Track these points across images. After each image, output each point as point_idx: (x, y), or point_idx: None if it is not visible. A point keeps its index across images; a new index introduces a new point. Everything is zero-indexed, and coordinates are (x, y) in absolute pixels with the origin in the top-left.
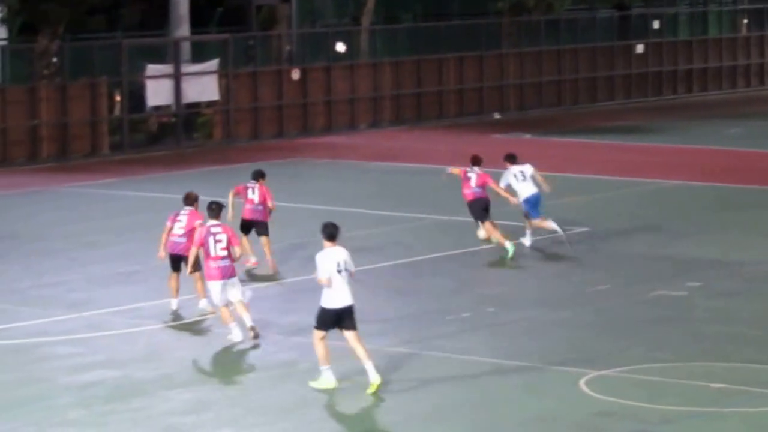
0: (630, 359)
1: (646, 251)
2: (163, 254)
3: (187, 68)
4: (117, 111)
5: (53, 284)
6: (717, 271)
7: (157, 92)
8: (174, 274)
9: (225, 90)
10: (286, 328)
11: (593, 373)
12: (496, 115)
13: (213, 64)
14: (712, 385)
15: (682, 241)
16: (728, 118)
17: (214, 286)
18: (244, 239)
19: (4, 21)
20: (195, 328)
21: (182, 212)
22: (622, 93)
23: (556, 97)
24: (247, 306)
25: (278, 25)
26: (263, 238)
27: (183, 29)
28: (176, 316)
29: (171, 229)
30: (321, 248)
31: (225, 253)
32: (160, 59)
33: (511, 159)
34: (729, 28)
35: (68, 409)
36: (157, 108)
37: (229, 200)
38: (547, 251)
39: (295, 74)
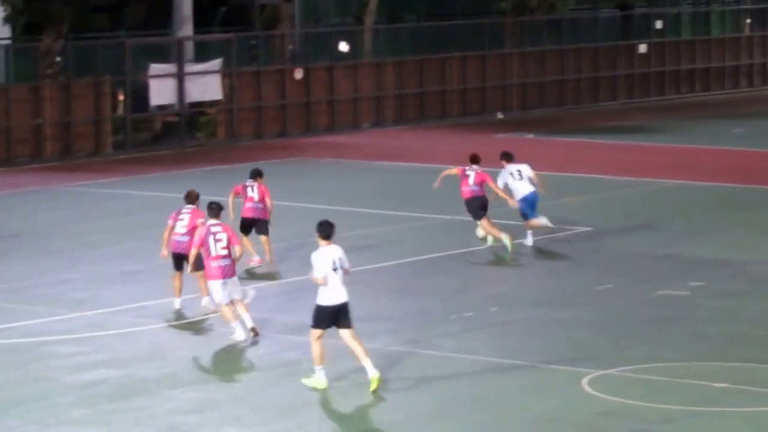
0: (633, 359)
1: (649, 251)
2: (165, 253)
3: (191, 68)
4: (120, 110)
5: (56, 283)
6: (720, 270)
7: (161, 91)
8: (177, 273)
9: (228, 89)
10: (288, 327)
11: (596, 373)
12: (499, 115)
13: (216, 63)
14: (715, 384)
15: (685, 241)
16: (731, 118)
17: (215, 285)
18: (245, 239)
19: (8, 20)
20: (198, 327)
21: (184, 210)
22: (624, 93)
23: (558, 97)
24: (247, 306)
25: (281, 24)
26: (263, 237)
27: (186, 29)
28: (179, 315)
29: (173, 227)
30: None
31: (225, 252)
32: (163, 58)
33: (508, 157)
34: (732, 28)
35: (71, 408)
36: (161, 107)
37: (230, 202)
38: (549, 251)
39: (298, 74)
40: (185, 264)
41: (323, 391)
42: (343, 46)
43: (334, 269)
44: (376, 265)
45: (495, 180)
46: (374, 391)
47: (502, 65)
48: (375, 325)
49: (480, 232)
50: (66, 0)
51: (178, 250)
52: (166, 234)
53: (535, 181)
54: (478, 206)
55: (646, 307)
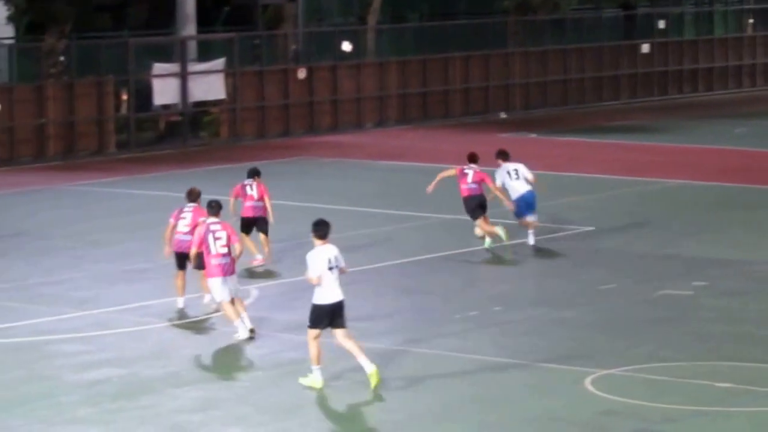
0: (635, 358)
1: (652, 250)
2: (168, 251)
3: (194, 67)
4: (123, 109)
5: (59, 282)
6: (722, 270)
7: (164, 91)
8: (180, 272)
9: (231, 89)
10: (290, 326)
11: (599, 372)
12: (502, 115)
13: (219, 63)
14: (718, 384)
15: (688, 241)
16: (734, 118)
17: (215, 283)
18: (247, 239)
19: (11, 20)
20: (201, 326)
21: (186, 209)
22: (627, 92)
23: (561, 97)
24: (245, 306)
25: (284, 24)
26: (262, 236)
27: (189, 28)
28: (182, 314)
29: (175, 226)
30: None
31: (225, 250)
32: (166, 58)
33: (504, 156)
34: (735, 28)
35: (76, 407)
36: (165, 107)
37: (231, 202)
38: (552, 250)
39: (302, 73)
40: (188, 263)
41: (320, 390)
42: (347, 46)
43: (330, 268)
44: (379, 264)
45: (493, 179)
46: (375, 387)
47: (505, 65)
48: (377, 324)
49: (478, 231)
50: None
51: (180, 249)
52: (167, 232)
53: (533, 180)
54: (476, 205)
55: (648, 307)
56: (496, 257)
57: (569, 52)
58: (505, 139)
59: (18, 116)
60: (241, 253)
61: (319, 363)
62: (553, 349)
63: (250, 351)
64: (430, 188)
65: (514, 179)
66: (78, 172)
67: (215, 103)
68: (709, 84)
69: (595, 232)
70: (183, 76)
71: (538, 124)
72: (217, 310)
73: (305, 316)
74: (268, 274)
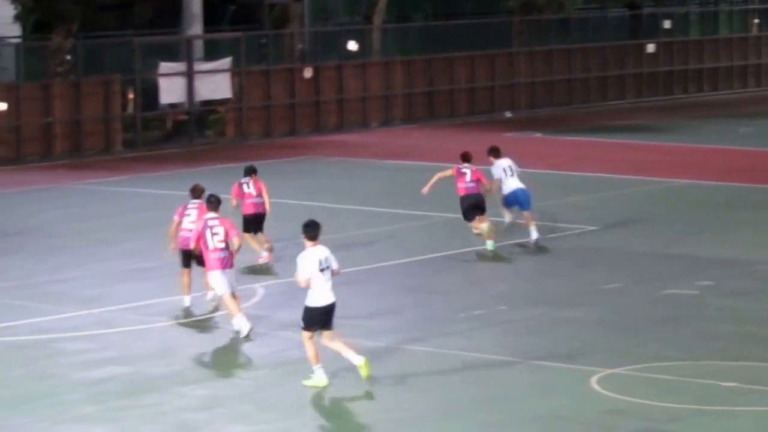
0: (641, 358)
1: (657, 250)
2: (173, 248)
3: (200, 66)
4: (130, 108)
5: (65, 281)
6: (728, 270)
7: (170, 90)
8: (185, 270)
9: (237, 88)
10: (293, 324)
11: (604, 371)
12: (507, 114)
13: (225, 62)
14: (723, 383)
15: (693, 240)
16: (739, 118)
17: (214, 276)
18: (252, 240)
19: (18, 19)
20: (205, 324)
21: (190, 206)
22: (632, 92)
23: (566, 96)
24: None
25: (290, 23)
26: (260, 234)
27: (196, 27)
28: (187, 312)
29: (179, 223)
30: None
31: (223, 245)
32: (173, 57)
33: (496, 153)
34: (740, 28)
35: (80, 405)
36: (173, 106)
37: (233, 204)
38: (557, 250)
39: (308, 72)
40: (193, 261)
41: (326, 388)
42: (352, 45)
43: (321, 270)
44: (384, 263)
45: (488, 178)
46: (368, 377)
47: (510, 64)
48: (382, 322)
49: (476, 229)
50: None
51: (186, 247)
52: (172, 229)
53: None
54: (473, 205)
55: (653, 306)
56: (500, 257)
57: (574, 51)
58: (510, 138)
59: (25, 115)
60: (239, 247)
61: (318, 362)
62: (557, 348)
63: (254, 349)
64: (426, 189)
65: (509, 176)
66: (84, 170)
67: (221, 102)
68: (714, 84)
69: (599, 231)
70: (189, 76)
71: (543, 123)
72: (217, 308)
73: None
74: (272, 273)
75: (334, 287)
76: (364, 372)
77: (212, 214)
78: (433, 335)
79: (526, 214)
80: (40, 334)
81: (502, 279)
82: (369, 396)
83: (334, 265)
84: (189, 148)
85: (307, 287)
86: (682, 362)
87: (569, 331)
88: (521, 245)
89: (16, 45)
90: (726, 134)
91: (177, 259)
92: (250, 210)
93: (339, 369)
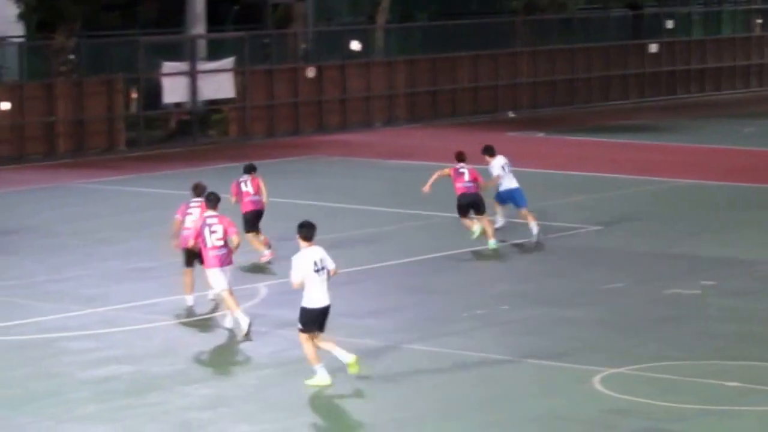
0: (643, 357)
1: (660, 250)
2: (176, 243)
3: (203, 66)
4: (133, 108)
5: (68, 280)
6: (731, 270)
7: (174, 89)
8: (188, 270)
9: (241, 87)
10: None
11: (607, 371)
12: (510, 114)
13: (229, 61)
14: (726, 383)
15: (696, 240)
16: (742, 118)
17: (213, 273)
18: (255, 239)
19: (21, 18)
20: (209, 323)
21: (192, 204)
22: (635, 92)
23: (569, 96)
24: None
25: (294, 23)
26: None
27: (199, 27)
28: (190, 312)
29: (182, 222)
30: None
31: (221, 243)
32: (176, 56)
33: (491, 151)
34: (742, 28)
35: (84, 404)
36: (177, 105)
37: (233, 202)
38: (560, 249)
39: (311, 72)
40: (196, 260)
41: (329, 387)
42: (356, 45)
43: (316, 270)
44: (385, 263)
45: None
46: (356, 373)
47: (513, 64)
48: (382, 322)
49: (477, 228)
50: None
51: (186, 245)
52: (175, 228)
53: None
54: (470, 203)
55: (656, 306)
56: (501, 257)
57: (577, 51)
58: (513, 138)
59: (28, 114)
60: (238, 245)
61: (319, 362)
62: (561, 347)
63: (257, 348)
64: (427, 187)
65: (506, 174)
66: (87, 169)
67: (225, 101)
68: (717, 84)
69: (602, 231)
70: (192, 75)
71: (546, 123)
72: (218, 306)
73: None
74: (275, 272)
75: (334, 287)
76: (353, 369)
77: (211, 212)
78: (433, 335)
79: (523, 211)
80: (43, 333)
81: (503, 279)
82: (369, 396)
83: (331, 266)
84: (192, 148)
85: (301, 288)
86: (684, 362)
87: (571, 330)
88: (522, 245)
89: (20, 44)
90: (728, 134)
91: (180, 258)
92: (248, 208)
93: (339, 369)
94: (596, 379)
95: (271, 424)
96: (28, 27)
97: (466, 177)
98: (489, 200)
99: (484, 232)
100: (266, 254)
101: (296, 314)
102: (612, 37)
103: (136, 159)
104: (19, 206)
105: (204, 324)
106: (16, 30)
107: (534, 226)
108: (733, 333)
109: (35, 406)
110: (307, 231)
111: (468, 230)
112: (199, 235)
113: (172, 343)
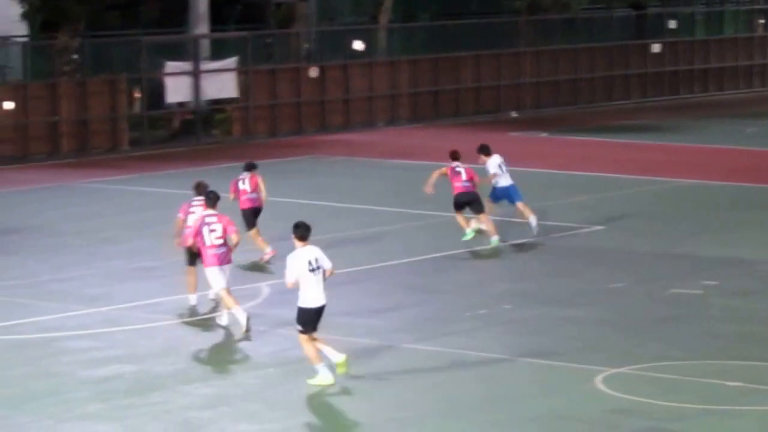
0: (645, 357)
1: (662, 250)
2: (178, 241)
3: (206, 65)
4: (136, 108)
5: (70, 279)
6: (733, 270)
7: (177, 89)
8: (190, 269)
9: (243, 87)
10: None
11: (608, 371)
12: (513, 114)
13: (232, 61)
14: (728, 383)
15: (699, 240)
16: (744, 118)
17: (212, 272)
18: (257, 238)
19: (25, 18)
20: (211, 323)
21: (194, 203)
22: (638, 92)
23: (572, 96)
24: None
25: (296, 23)
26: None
27: (202, 26)
28: (193, 311)
29: (184, 220)
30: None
31: (220, 241)
32: (179, 56)
33: (486, 150)
34: (745, 28)
35: (86, 403)
36: (180, 105)
37: (231, 199)
38: (562, 249)
39: (313, 72)
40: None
41: (332, 386)
42: (358, 45)
43: (311, 270)
44: (387, 263)
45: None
46: (344, 373)
47: (516, 64)
48: (385, 322)
49: (480, 227)
50: None
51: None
52: (177, 226)
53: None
54: (467, 201)
55: (658, 306)
56: (503, 256)
57: (580, 51)
58: (516, 138)
59: (31, 114)
60: (237, 243)
61: (320, 361)
62: (563, 347)
63: (258, 348)
64: (429, 188)
65: (503, 172)
66: (91, 169)
67: (228, 101)
68: (720, 84)
69: (604, 231)
70: (195, 75)
71: (549, 123)
72: (218, 306)
73: None
74: (275, 271)
75: (335, 287)
76: (341, 370)
77: (210, 211)
78: (434, 334)
79: (519, 205)
80: (46, 333)
81: (504, 278)
82: (369, 395)
83: (327, 266)
84: (195, 147)
85: (295, 288)
86: (685, 362)
87: (573, 330)
88: (522, 245)
89: (23, 44)
90: (731, 134)
91: (182, 257)
92: (245, 205)
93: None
94: (597, 378)
95: (271, 424)
96: (31, 27)
97: (463, 176)
98: (484, 199)
99: (482, 231)
100: (268, 252)
101: (293, 314)
102: (615, 37)
103: (140, 158)
104: (22, 206)
105: (206, 323)
106: (19, 30)
107: (532, 219)
108: (734, 333)
109: (35, 405)
110: (302, 231)
111: (462, 229)
112: (198, 233)
113: (174, 342)
